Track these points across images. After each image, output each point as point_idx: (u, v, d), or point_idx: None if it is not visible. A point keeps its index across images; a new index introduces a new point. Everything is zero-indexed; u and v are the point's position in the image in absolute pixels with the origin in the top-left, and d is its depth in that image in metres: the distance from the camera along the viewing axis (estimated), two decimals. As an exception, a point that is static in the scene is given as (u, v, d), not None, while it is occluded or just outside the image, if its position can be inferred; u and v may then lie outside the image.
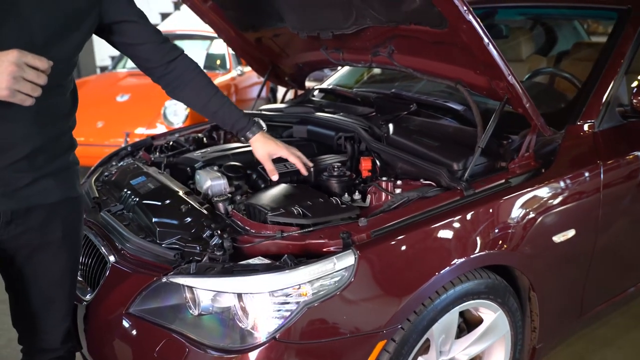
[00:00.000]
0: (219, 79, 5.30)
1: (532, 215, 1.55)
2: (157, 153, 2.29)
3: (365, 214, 1.53)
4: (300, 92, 2.91)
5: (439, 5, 1.34)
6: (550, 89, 2.31)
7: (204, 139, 2.35)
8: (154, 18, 9.31)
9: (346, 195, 1.60)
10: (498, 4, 2.58)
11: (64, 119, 1.29)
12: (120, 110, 4.46)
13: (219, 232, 1.42)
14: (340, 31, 1.92)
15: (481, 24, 1.32)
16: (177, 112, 4.34)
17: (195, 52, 5.86)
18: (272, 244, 1.37)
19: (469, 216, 1.44)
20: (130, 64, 5.95)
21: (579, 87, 2.11)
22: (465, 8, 1.27)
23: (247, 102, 5.42)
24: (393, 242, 1.33)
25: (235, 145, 2.11)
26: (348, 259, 1.26)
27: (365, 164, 1.73)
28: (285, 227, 1.40)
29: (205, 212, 1.54)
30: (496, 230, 1.48)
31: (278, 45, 2.54)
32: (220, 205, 1.56)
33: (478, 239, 1.44)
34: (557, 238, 1.61)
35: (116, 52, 6.02)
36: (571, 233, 1.64)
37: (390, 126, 1.96)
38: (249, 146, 2.05)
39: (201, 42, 5.96)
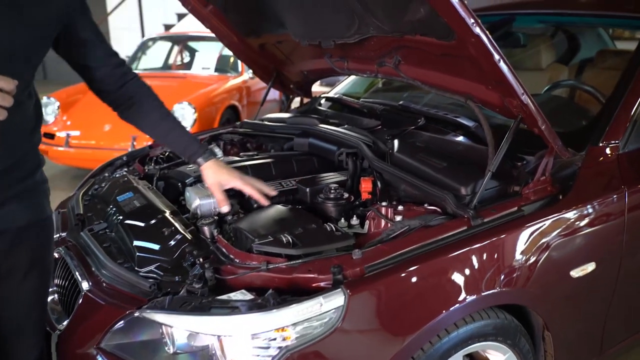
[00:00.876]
0: (231, 82, 5.21)
1: (547, 248, 1.40)
2: (152, 164, 2.19)
3: (363, 241, 1.40)
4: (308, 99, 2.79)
5: (444, 16, 1.21)
6: (571, 103, 2.15)
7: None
8: (170, 18, 9.29)
9: (342, 220, 1.47)
10: (516, 11, 2.42)
11: (26, 138, 1.19)
12: (128, 114, 4.39)
13: (200, 260, 1.31)
14: (342, 40, 1.79)
15: (491, 39, 1.18)
16: (184, 117, 4.25)
17: (209, 53, 5.79)
18: (257, 276, 1.25)
19: (476, 249, 1.30)
20: (143, 65, 5.89)
21: (603, 102, 1.95)
22: (472, 20, 1.13)
23: (257, 105, 5.30)
24: (389, 279, 1.20)
25: (233, 158, 2.00)
26: (337, 299, 1.14)
27: (365, 185, 1.59)
28: (273, 257, 1.27)
29: (189, 236, 1.43)
30: (506, 266, 1.33)
31: (282, 52, 2.42)
32: (206, 229, 1.45)
33: (486, 275, 1.30)
34: (575, 273, 1.46)
35: (131, 52, 5.96)
36: (591, 267, 1.48)
37: (396, 142, 1.83)
38: (247, 160, 1.95)
39: (215, 44, 5.86)
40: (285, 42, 2.28)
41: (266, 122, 2.37)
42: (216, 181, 1.53)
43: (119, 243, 1.52)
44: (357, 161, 1.84)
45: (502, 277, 1.32)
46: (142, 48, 5.96)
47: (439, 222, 1.37)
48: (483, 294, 1.28)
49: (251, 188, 1.56)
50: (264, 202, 1.56)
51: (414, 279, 1.22)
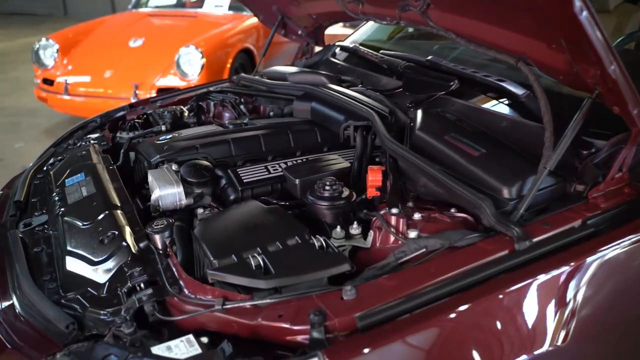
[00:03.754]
0: (247, 22, 4.71)
1: (624, 284, 1.00)
2: (127, 131, 1.83)
3: (366, 258, 1.04)
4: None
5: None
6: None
7: (185, 113, 1.86)
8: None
9: (338, 229, 1.09)
10: None
11: None
12: (131, 58, 4.01)
13: (140, 287, 0.97)
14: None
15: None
16: (191, 61, 3.84)
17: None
18: (212, 317, 0.90)
19: (519, 290, 0.90)
20: (154, 2, 5.43)
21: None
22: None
23: (275, 46, 4.76)
24: (394, 339, 0.83)
25: (213, 129, 1.61)
26: (311, 375, 0.78)
27: (373, 178, 1.20)
28: (232, 293, 0.92)
29: (134, 247, 1.08)
30: (564, 314, 0.94)
31: (286, -10, 1.97)
32: (157, 238, 1.09)
33: (535, 330, 0.91)
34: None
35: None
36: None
37: (419, 115, 1.41)
38: (231, 132, 1.57)
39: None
40: (287, -23, 1.83)
41: (265, 79, 1.96)
42: None
43: (54, 247, 1.19)
44: (367, 138, 1.44)
45: (558, 331, 0.93)
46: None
47: (470, 242, 0.98)
48: (531, 356, 0.90)
49: None
50: None
51: (428, 339, 0.85)
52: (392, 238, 1.05)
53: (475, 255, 0.94)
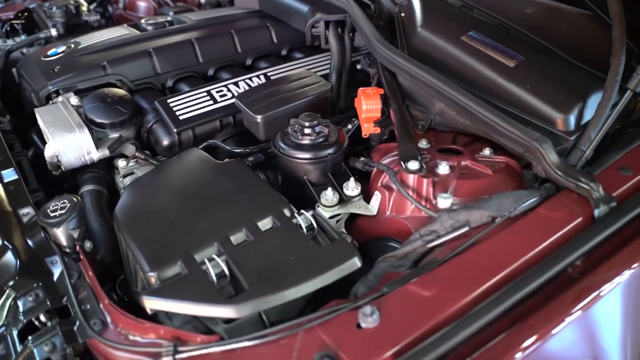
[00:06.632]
0: None
1: None
2: (3, 38, 1.34)
3: (374, 229, 0.73)
4: None
5: None
6: None
7: (83, 7, 1.35)
8: None
9: (329, 191, 0.75)
10: None
11: None
12: None
13: (41, 322, 0.63)
14: None
15: None
16: None
17: None
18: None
19: (611, 287, 0.63)
20: None
21: None
22: None
23: None
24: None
25: (125, 33, 1.15)
26: None
27: (369, 107, 0.83)
28: (186, 332, 0.59)
29: (23, 252, 0.70)
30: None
31: None
32: (58, 232, 0.71)
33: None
34: None
35: None
36: None
37: (415, 2, 1.01)
38: (152, 37, 1.12)
39: None
40: None
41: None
42: None
43: None
44: (344, 38, 1.04)
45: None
46: None
47: (525, 209, 0.67)
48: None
49: None
50: None
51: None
52: (409, 207, 0.73)
53: (540, 232, 0.65)
